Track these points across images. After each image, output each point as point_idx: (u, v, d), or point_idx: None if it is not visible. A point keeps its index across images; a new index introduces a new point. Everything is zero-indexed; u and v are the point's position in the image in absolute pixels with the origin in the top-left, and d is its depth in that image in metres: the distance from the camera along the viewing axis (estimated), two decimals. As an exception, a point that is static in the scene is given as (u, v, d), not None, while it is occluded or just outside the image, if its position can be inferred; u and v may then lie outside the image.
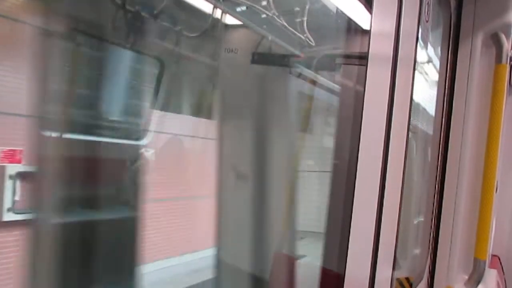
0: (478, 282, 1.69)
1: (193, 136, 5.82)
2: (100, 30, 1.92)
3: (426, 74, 1.58)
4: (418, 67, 1.23)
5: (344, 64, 1.72)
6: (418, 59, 1.22)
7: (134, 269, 2.29)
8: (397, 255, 1.21)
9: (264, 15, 2.13)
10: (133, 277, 2.31)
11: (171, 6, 2.16)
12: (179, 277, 5.21)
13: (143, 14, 1.98)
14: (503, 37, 1.61)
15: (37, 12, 1.64)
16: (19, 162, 2.93)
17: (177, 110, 4.63)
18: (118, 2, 1.89)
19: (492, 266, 2.14)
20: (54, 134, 1.59)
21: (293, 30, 2.28)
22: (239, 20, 2.27)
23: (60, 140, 1.63)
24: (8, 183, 2.81)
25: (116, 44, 2.12)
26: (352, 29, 1.52)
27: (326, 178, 1.63)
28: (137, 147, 2.60)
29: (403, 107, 1.13)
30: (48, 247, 1.52)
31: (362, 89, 1.10)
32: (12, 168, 2.84)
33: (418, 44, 1.20)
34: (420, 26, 1.19)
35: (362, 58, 1.17)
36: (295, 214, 2.54)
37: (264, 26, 2.24)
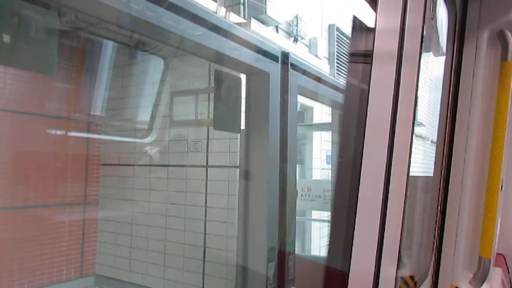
0: (483, 281, 1.69)
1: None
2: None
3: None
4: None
5: (350, 62, 1.72)
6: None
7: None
8: (401, 254, 1.21)
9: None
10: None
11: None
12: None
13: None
14: (508, 34, 1.61)
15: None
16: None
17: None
18: None
19: (497, 264, 2.13)
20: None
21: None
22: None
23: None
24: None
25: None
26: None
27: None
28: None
29: (408, 104, 1.12)
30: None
31: (367, 86, 1.09)
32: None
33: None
34: (425, 23, 1.18)
35: (367, 56, 1.17)
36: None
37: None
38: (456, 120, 1.73)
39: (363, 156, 1.08)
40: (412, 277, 1.50)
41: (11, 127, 4.35)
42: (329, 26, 6.03)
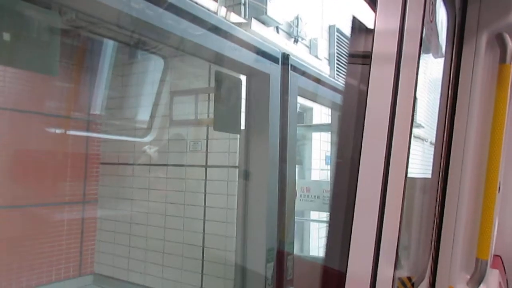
0: (480, 282, 1.70)
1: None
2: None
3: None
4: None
5: (349, 63, 1.73)
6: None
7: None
8: (399, 255, 1.22)
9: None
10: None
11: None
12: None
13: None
14: (507, 37, 1.62)
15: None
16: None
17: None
18: None
19: (494, 266, 2.14)
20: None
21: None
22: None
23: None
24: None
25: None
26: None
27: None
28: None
29: (406, 105, 1.13)
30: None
31: (366, 87, 1.10)
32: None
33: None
34: (424, 25, 1.19)
35: (366, 57, 1.17)
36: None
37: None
38: (455, 121, 1.73)
39: (362, 157, 1.08)
40: (409, 278, 1.51)
41: (9, 125, 4.35)
42: (330, 27, 6.03)
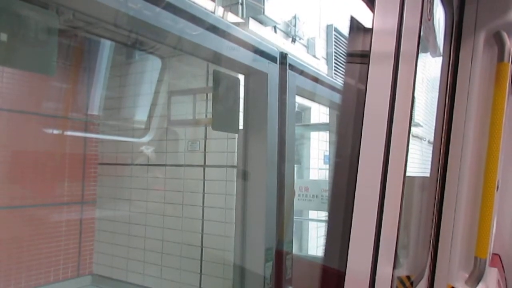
0: (479, 281, 1.70)
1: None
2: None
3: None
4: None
5: (347, 62, 1.73)
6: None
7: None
8: (398, 253, 1.22)
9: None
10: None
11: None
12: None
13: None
14: (505, 35, 1.62)
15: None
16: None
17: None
18: None
19: (492, 264, 2.15)
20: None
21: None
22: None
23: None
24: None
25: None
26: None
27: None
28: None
29: (405, 104, 1.13)
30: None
31: (364, 86, 1.10)
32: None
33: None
34: (422, 24, 1.19)
35: (364, 56, 1.17)
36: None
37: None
38: (453, 120, 1.74)
39: (360, 156, 1.08)
40: (408, 277, 1.51)
41: (6, 126, 4.34)
42: (327, 26, 6.03)
